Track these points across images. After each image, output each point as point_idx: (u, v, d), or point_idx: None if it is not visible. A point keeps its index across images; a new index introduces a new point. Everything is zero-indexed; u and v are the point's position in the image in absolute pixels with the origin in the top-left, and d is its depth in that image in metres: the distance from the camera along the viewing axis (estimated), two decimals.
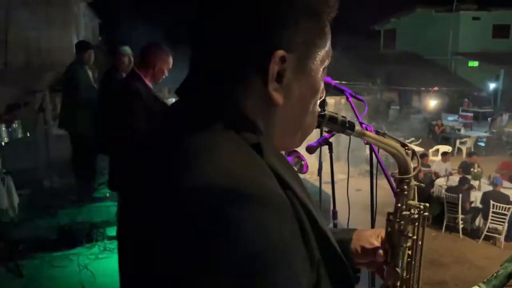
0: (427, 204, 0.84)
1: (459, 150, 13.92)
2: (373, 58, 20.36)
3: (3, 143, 4.30)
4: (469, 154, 10.44)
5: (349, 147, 2.19)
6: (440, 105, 17.37)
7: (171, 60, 3.24)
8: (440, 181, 8.67)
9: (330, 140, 2.35)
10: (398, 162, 0.84)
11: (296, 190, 0.63)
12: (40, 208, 4.80)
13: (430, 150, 12.12)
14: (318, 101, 0.75)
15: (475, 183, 8.32)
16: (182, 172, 0.57)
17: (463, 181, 8.04)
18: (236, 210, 0.52)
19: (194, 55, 0.70)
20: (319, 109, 0.77)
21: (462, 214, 7.70)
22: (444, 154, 9.98)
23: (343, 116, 0.81)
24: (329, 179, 2.46)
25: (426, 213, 0.83)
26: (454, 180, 8.50)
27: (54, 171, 5.39)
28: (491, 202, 7.39)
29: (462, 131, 15.51)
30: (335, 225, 2.36)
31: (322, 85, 0.74)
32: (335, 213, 2.34)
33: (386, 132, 0.85)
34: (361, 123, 2.09)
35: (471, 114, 17.66)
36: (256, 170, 0.59)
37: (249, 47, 0.64)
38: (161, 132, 0.68)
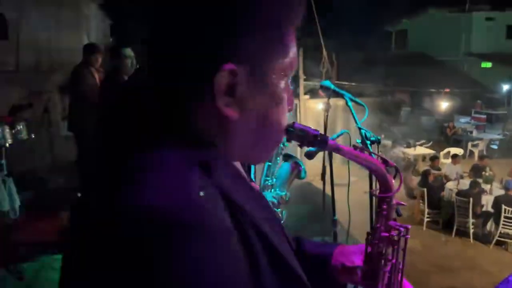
0: (409, 226, 0.78)
1: (471, 152, 13.71)
2: (384, 59, 20.19)
3: (7, 145, 4.30)
4: (481, 157, 10.28)
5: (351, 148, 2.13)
6: (452, 106, 17.14)
7: None
8: (451, 185, 8.53)
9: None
10: (378, 179, 0.78)
11: (249, 212, 0.61)
12: (43, 210, 4.79)
13: (441, 153, 11.96)
14: (286, 114, 0.71)
15: (486, 186, 8.18)
16: (116, 191, 0.55)
17: (474, 184, 7.91)
18: (162, 238, 0.50)
19: (148, 68, 0.67)
20: (288, 122, 0.73)
21: (473, 218, 7.56)
22: (454, 156, 9.83)
23: (315, 130, 0.76)
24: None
25: (407, 236, 0.78)
26: (465, 183, 8.36)
27: (58, 172, 5.40)
28: (503, 206, 7.24)
29: (475, 133, 15.27)
30: (335, 234, 2.30)
31: (286, 97, 0.70)
32: (335, 222, 2.28)
33: (365, 148, 0.78)
34: (360, 129, 2.04)
35: (483, 116, 17.37)
36: (195, 193, 0.55)
37: (197, 60, 0.62)
38: (110, 147, 0.65)
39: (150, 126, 0.63)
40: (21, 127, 4.43)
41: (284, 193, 2.23)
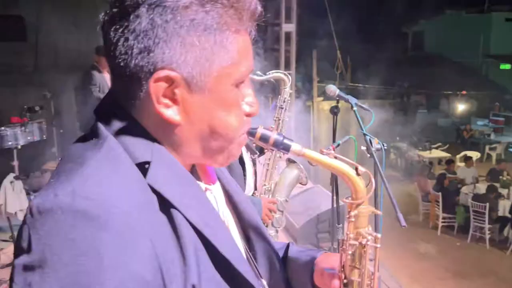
0: (379, 235, 0.75)
1: (489, 156, 13.45)
2: (401, 60, 20.01)
3: (19, 146, 4.35)
4: (499, 160, 10.10)
5: (356, 151, 2.09)
6: (469, 109, 16.90)
7: None
8: (466, 189, 8.38)
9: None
10: (349, 186, 0.76)
11: (184, 212, 0.63)
12: None
13: (458, 156, 11.76)
14: (244, 118, 0.72)
15: (503, 191, 8.02)
16: (50, 187, 0.60)
17: (491, 189, 7.76)
18: (73, 230, 0.54)
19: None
20: (250, 126, 0.74)
21: (489, 223, 7.41)
22: (468, 159, 9.67)
23: (279, 134, 0.76)
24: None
25: (377, 244, 0.75)
26: (481, 187, 8.21)
27: None
28: None
29: (492, 136, 14.99)
30: (338, 242, 2.25)
31: (239, 102, 0.70)
32: (338, 229, 2.23)
33: (333, 152, 0.76)
34: (365, 135, 1.98)
35: (502, 119, 17.03)
36: (119, 192, 0.59)
37: (136, 67, 0.63)
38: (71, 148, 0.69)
39: (102, 128, 0.66)
40: (33, 128, 4.48)
41: (283, 198, 2.19)
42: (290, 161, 2.19)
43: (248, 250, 0.82)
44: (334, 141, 2.43)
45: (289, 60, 7.84)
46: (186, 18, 0.62)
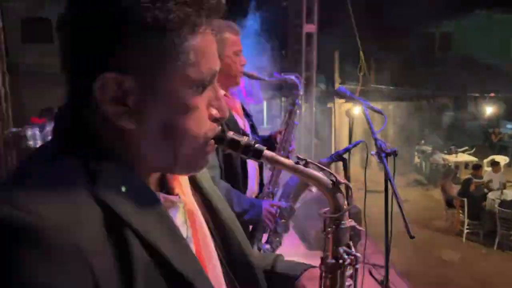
0: (358, 255, 0.71)
1: None
2: (427, 61, 19.67)
3: (37, 146, 4.40)
4: None
5: (367, 156, 2.00)
6: (498, 111, 16.43)
7: None
8: (493, 194, 8.10)
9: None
10: (326, 197, 0.71)
11: (136, 227, 0.58)
12: None
13: (485, 160, 11.40)
14: (208, 124, 0.66)
15: None
16: None
17: None
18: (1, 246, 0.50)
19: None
20: (218, 132, 0.69)
21: None
22: (495, 164, 9.34)
23: (250, 139, 0.71)
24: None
25: (356, 265, 0.70)
26: (509, 194, 7.94)
27: None
28: None
29: None
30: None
31: (201, 105, 0.64)
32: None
33: (309, 160, 0.69)
34: (375, 139, 1.89)
35: None
36: (55, 204, 0.54)
37: (83, 68, 0.60)
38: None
39: (53, 136, 0.64)
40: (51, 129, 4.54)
41: (288, 204, 2.12)
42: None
43: (226, 264, 0.77)
44: (350, 143, 2.35)
45: (310, 61, 7.76)
46: (136, 18, 0.57)
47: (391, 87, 12.40)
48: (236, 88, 2.21)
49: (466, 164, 11.44)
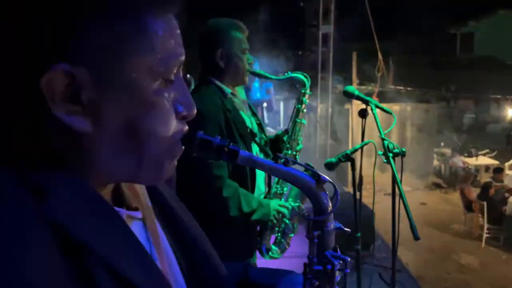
0: (347, 258, 0.65)
1: None
2: (448, 62, 19.35)
3: None
4: None
5: (379, 156, 1.95)
6: None
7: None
8: None
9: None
10: (309, 198, 0.66)
11: (104, 252, 0.50)
12: None
13: (507, 164, 11.14)
14: (174, 122, 0.58)
15: None
16: None
17: None
18: None
19: None
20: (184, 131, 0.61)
21: None
22: None
23: (223, 140, 0.64)
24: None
25: (346, 269, 0.65)
26: None
27: None
28: None
29: None
30: (357, 251, 2.12)
31: (167, 100, 0.57)
32: (357, 239, 2.09)
33: (291, 159, 0.65)
34: (383, 139, 1.85)
35: None
36: None
37: (28, 60, 0.50)
38: None
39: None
40: None
41: (297, 204, 2.09)
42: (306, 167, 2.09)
43: (192, 279, 0.70)
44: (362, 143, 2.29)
45: (327, 62, 7.70)
46: (90, 0, 0.50)
47: (408, 88, 12.21)
48: (243, 87, 2.19)
49: (487, 168, 11.19)
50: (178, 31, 0.58)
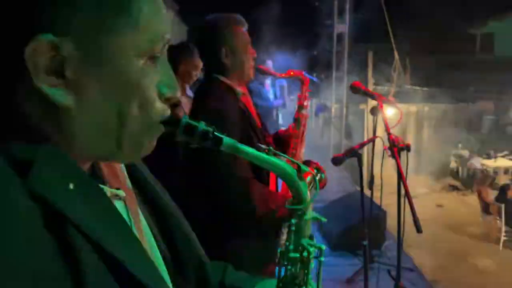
0: (323, 246, 0.66)
1: None
2: (467, 63, 19.06)
3: None
4: None
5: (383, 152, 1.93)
6: None
7: (198, 61, 3.03)
8: None
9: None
10: (290, 188, 0.67)
11: (85, 226, 0.49)
12: None
13: None
14: (157, 103, 0.58)
15: None
16: None
17: None
18: None
19: None
20: (167, 114, 0.60)
21: None
22: None
23: (207, 125, 0.63)
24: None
25: (321, 258, 0.66)
26: None
27: None
28: None
29: None
30: (365, 259, 2.10)
31: (150, 80, 0.56)
32: (364, 248, 2.06)
33: (273, 149, 0.65)
34: (389, 133, 1.83)
35: None
36: None
37: (11, 30, 0.49)
38: None
39: None
40: None
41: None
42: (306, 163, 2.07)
43: (173, 261, 0.70)
44: (371, 140, 2.28)
45: (341, 61, 7.66)
46: None
47: (424, 89, 12.04)
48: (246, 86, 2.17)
49: (506, 170, 10.97)
50: (164, 10, 0.58)
